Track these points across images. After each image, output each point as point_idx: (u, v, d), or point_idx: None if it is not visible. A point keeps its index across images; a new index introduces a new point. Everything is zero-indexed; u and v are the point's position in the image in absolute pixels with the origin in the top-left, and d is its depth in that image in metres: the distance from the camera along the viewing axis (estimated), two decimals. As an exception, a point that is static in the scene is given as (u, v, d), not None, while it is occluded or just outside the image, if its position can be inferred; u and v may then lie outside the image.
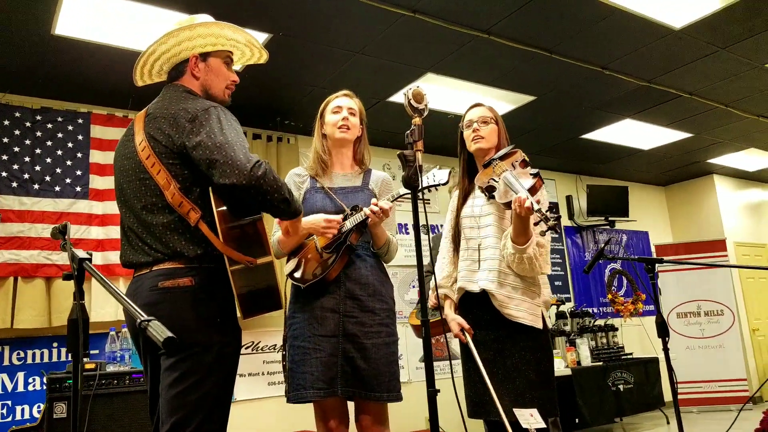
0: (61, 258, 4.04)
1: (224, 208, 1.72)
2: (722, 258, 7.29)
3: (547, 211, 1.94)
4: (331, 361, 2.19)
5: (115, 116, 4.49)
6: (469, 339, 2.31)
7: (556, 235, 3.17)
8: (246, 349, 4.77)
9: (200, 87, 1.92)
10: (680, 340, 7.09)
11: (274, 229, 2.42)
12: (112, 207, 4.24)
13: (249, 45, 2.03)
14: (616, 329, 6.64)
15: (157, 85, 2.03)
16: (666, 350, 2.65)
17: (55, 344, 4.07)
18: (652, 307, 7.15)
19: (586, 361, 5.87)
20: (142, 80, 2.04)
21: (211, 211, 1.71)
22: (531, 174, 2.16)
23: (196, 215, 1.71)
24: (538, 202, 2.02)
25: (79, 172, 4.28)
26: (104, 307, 4.13)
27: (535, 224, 1.99)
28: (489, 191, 2.29)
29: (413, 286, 5.71)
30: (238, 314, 1.79)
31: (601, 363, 6.06)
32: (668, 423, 6.22)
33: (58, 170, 4.21)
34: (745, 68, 4.76)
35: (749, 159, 7.49)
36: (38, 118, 4.22)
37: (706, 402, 6.93)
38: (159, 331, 1.18)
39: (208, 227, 1.71)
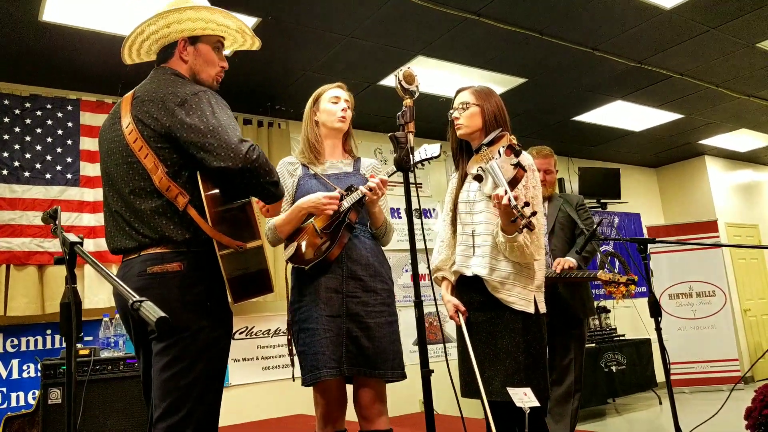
0: (54, 245, 4.03)
1: (213, 192, 1.71)
2: (714, 239, 7.33)
3: (523, 207, 1.92)
4: (337, 341, 2.23)
5: (104, 103, 4.46)
6: (462, 320, 2.33)
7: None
8: (240, 334, 4.78)
9: (189, 71, 1.89)
10: (672, 322, 7.15)
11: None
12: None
13: (240, 31, 2.00)
14: (609, 311, 6.69)
15: (147, 69, 2.01)
16: (659, 330, 2.64)
17: (48, 331, 4.07)
18: (644, 289, 7.20)
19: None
20: (130, 59, 2.01)
21: (199, 196, 1.70)
22: (512, 164, 2.11)
23: (184, 200, 1.70)
24: (516, 198, 1.96)
25: (69, 159, 4.26)
26: (98, 293, 4.13)
27: (512, 221, 1.97)
28: (478, 181, 2.29)
29: (406, 270, 5.73)
30: (229, 298, 1.78)
31: (593, 345, 6.12)
32: (660, 403, 6.29)
33: (49, 157, 4.19)
34: (736, 48, 4.76)
35: (740, 139, 7.50)
36: (27, 105, 4.19)
37: (698, 382, 7.01)
38: (152, 311, 1.17)
39: (196, 212, 1.71)
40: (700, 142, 7.46)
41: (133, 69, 2.09)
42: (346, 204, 2.30)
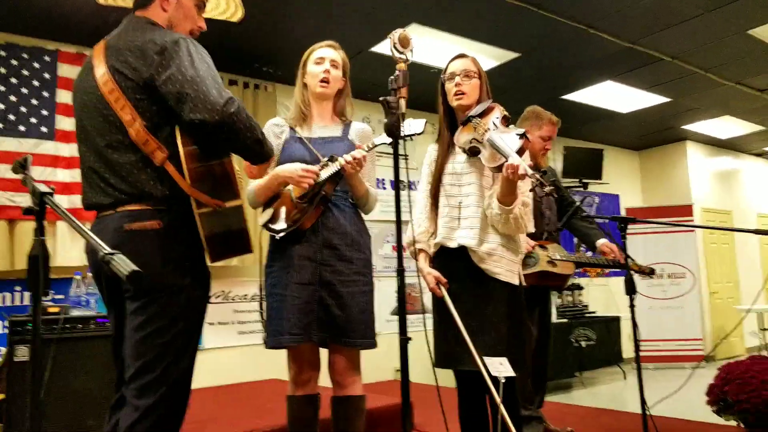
0: (25, 200, 3.91)
1: (192, 147, 1.64)
2: (689, 223, 7.47)
3: (541, 176, 1.93)
4: (307, 308, 2.21)
5: (84, 55, 4.30)
6: (444, 292, 2.31)
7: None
8: (217, 298, 4.74)
9: (166, 21, 1.81)
10: (643, 301, 7.31)
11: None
12: (79, 149, 4.12)
13: None
14: (582, 288, 6.81)
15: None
16: (632, 307, 2.70)
17: (18, 288, 3.98)
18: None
19: (552, 317, 6.00)
20: None
21: (178, 151, 1.63)
22: (518, 134, 2.12)
23: (162, 154, 1.64)
24: (530, 166, 2.00)
25: (45, 112, 4.13)
26: (70, 251, 4.04)
27: (531, 190, 1.98)
28: (473, 153, 2.25)
29: (387, 241, 5.71)
30: (207, 257, 1.74)
31: (565, 320, 6.26)
32: (624, 378, 6.49)
33: (23, 109, 4.05)
34: (728, 33, 4.74)
35: (722, 126, 7.56)
36: (2, 54, 4.03)
37: (662, 360, 7.22)
38: (123, 264, 1.12)
39: (174, 168, 1.64)
40: (684, 127, 7.51)
41: (116, 20, 1.99)
42: (323, 175, 2.24)
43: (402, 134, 2.17)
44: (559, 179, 3.49)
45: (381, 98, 1.79)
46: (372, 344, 2.28)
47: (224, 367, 4.64)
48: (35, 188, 1.30)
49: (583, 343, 6.22)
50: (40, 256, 1.25)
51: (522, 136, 2.11)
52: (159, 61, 1.62)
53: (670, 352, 7.22)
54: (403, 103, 1.79)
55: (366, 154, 2.24)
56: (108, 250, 1.17)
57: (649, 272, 3.10)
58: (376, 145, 2.27)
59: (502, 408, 2.03)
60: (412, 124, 2.22)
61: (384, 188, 5.70)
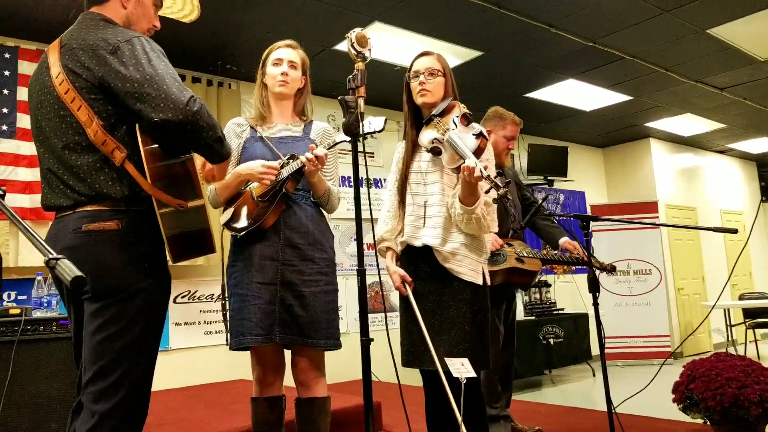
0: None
1: (152, 146, 1.63)
2: (653, 219, 7.59)
3: (496, 177, 1.93)
4: (269, 309, 2.19)
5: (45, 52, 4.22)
6: (409, 291, 2.32)
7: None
8: (183, 298, 4.69)
9: (124, 19, 1.78)
10: (610, 297, 7.41)
11: None
12: (40, 148, 4.05)
13: None
14: (549, 285, 6.87)
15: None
16: (596, 305, 2.71)
17: (-23, 289, 3.90)
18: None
19: (519, 315, 6.06)
20: None
21: (138, 151, 1.61)
22: (474, 135, 2.12)
23: (121, 154, 1.62)
24: (485, 168, 1.99)
25: (5, 110, 4.05)
26: (32, 251, 3.96)
27: (486, 192, 1.99)
28: (435, 153, 2.26)
29: (354, 239, 5.71)
30: (168, 258, 1.72)
31: (533, 317, 6.28)
32: (594, 375, 6.54)
33: (-18, 107, 3.96)
34: (687, 32, 4.86)
35: (685, 124, 7.72)
36: (-41, 50, 3.93)
37: (630, 356, 7.29)
38: (67, 269, 1.09)
39: (134, 167, 1.62)
40: (647, 124, 7.65)
41: (76, 16, 1.96)
42: (284, 173, 2.24)
43: (361, 132, 2.18)
44: (519, 179, 3.53)
45: (339, 98, 1.80)
46: (336, 345, 2.27)
47: (190, 368, 4.59)
48: (-17, 189, 1.28)
49: (552, 341, 6.25)
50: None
51: (479, 135, 2.11)
52: (112, 60, 1.60)
53: (637, 349, 7.29)
54: (361, 102, 1.80)
55: (327, 152, 2.25)
56: (53, 254, 1.14)
57: (610, 269, 3.15)
58: (336, 143, 2.27)
59: (456, 411, 2.03)
60: (372, 122, 2.23)
61: (350, 186, 5.71)
